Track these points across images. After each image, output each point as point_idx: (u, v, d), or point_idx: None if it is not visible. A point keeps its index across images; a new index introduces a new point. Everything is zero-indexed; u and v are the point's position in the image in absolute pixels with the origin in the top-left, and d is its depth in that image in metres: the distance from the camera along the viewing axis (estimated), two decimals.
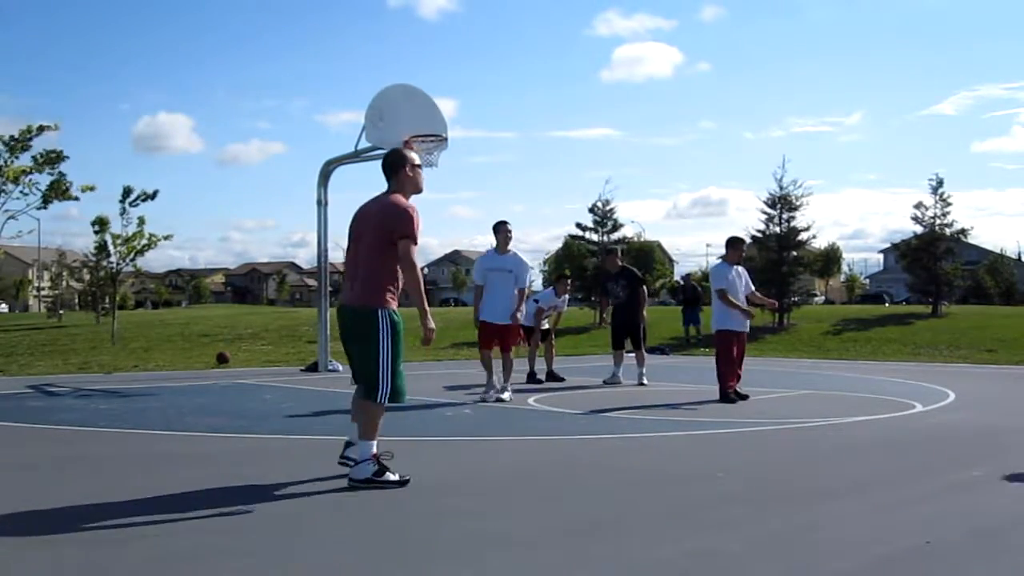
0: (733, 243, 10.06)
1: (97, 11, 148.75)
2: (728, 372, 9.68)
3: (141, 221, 22.65)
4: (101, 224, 23.35)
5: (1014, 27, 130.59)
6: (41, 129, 16.92)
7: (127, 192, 22.29)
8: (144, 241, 22.94)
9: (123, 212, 22.51)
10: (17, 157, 16.65)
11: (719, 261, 10.08)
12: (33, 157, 16.89)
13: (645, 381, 11.91)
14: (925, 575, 3.56)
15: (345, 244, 5.45)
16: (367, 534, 4.06)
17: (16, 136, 16.68)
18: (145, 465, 5.95)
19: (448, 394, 10.43)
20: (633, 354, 12.27)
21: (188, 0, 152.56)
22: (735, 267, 10.00)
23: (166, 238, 23.50)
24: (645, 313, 12.32)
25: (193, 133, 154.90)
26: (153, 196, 22.54)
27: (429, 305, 5.44)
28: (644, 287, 12.49)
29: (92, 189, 18.42)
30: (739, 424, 7.88)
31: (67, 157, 17.27)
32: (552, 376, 12.64)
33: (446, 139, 13.16)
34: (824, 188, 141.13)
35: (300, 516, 4.38)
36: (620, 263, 12.84)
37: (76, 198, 17.73)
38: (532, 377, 12.29)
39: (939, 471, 5.84)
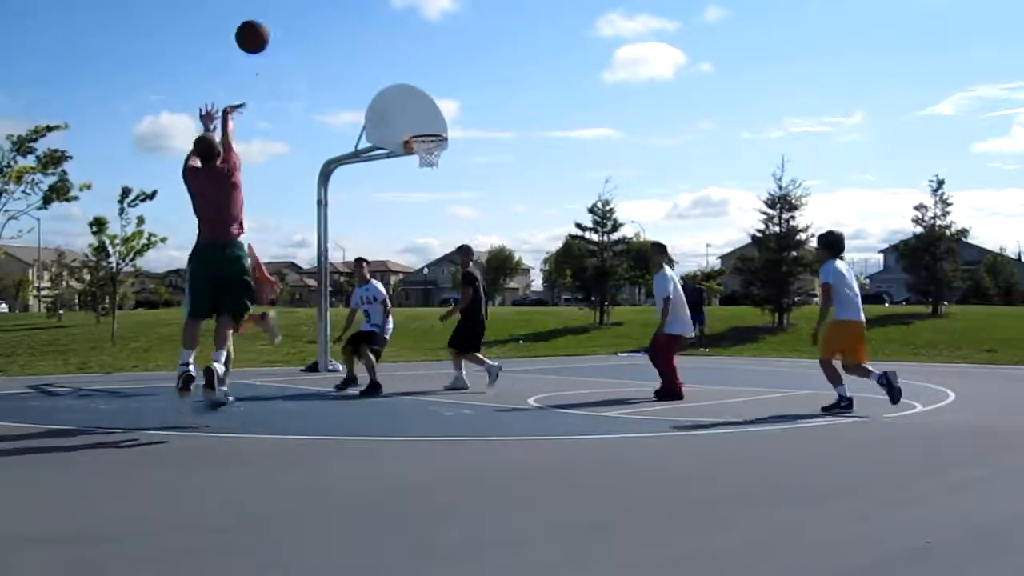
0: (660, 249, 10.48)
1: (97, 11, 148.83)
2: (674, 370, 9.90)
3: (140, 221, 22.63)
4: (99, 225, 23.32)
5: (1012, 27, 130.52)
6: (50, 129, 16.91)
7: (126, 192, 22.28)
8: (143, 241, 22.92)
9: (122, 212, 22.49)
10: (24, 156, 16.65)
11: (661, 271, 10.04)
12: (37, 157, 16.88)
13: (459, 385, 10.84)
14: (925, 575, 3.56)
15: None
16: (367, 534, 4.06)
17: (24, 136, 16.68)
18: (144, 465, 5.95)
19: (448, 394, 10.43)
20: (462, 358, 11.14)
21: (190, 0, 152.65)
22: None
23: (162, 240, 23.50)
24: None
25: (195, 134, 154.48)
26: (152, 196, 22.50)
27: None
28: (472, 288, 11.06)
29: (88, 187, 18.41)
30: (739, 424, 7.88)
31: (71, 157, 17.28)
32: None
33: (446, 139, 13.16)
34: (823, 188, 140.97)
35: (299, 516, 4.37)
36: (470, 263, 11.55)
37: (75, 198, 17.73)
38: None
39: (939, 471, 5.84)
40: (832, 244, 9.05)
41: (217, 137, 7.26)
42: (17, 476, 5.52)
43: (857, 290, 8.91)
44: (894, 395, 8.62)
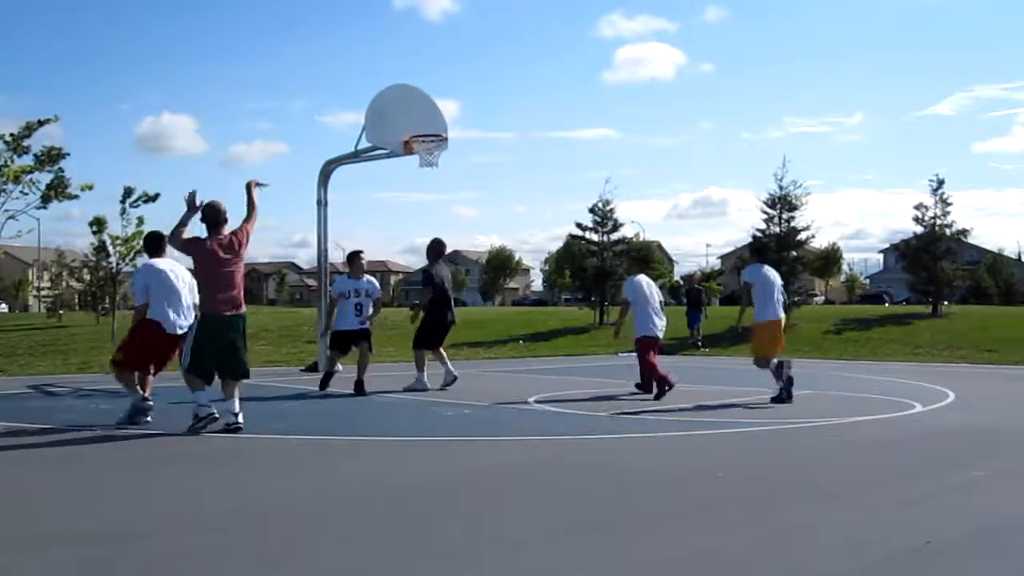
0: (636, 261, 11.53)
1: (97, 11, 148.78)
2: (653, 367, 10.10)
3: (140, 221, 22.61)
4: (99, 224, 23.30)
5: (1009, 28, 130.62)
6: (41, 124, 16.86)
7: (128, 192, 22.26)
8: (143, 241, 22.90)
9: (123, 212, 22.47)
10: (20, 156, 16.61)
11: (632, 277, 10.71)
12: (35, 155, 16.84)
13: (419, 387, 10.81)
14: (925, 575, 3.56)
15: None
16: (367, 534, 4.06)
17: (16, 133, 16.63)
18: (145, 465, 5.96)
19: (448, 394, 10.43)
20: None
21: (192, 0, 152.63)
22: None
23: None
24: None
25: (196, 134, 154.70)
26: (154, 199, 22.50)
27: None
28: (431, 287, 11.25)
29: (90, 188, 18.37)
30: (739, 424, 7.88)
31: (68, 154, 17.22)
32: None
33: (446, 139, 13.15)
34: (822, 188, 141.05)
35: (299, 516, 4.37)
36: (437, 261, 11.50)
37: (76, 196, 17.69)
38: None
39: (939, 471, 5.84)
40: (759, 250, 10.35)
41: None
42: (17, 476, 5.52)
43: (780, 293, 9.95)
44: (785, 390, 9.48)
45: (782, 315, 10.01)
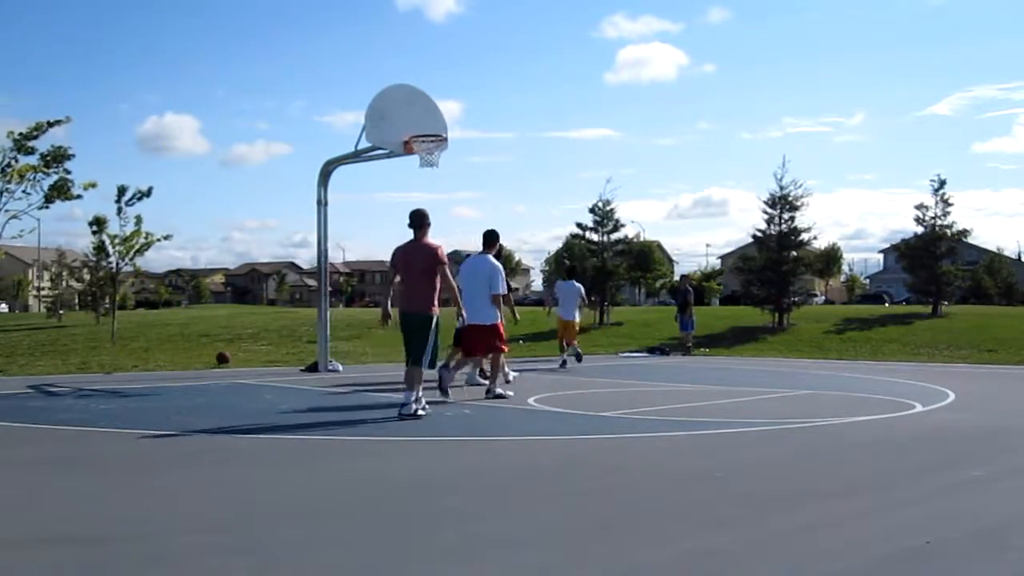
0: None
1: (98, 11, 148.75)
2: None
3: (138, 220, 22.61)
4: (98, 224, 23.30)
5: (1007, 28, 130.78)
6: (51, 124, 16.85)
7: (122, 191, 22.25)
8: (142, 240, 22.89)
9: (120, 211, 22.46)
10: (26, 154, 16.59)
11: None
12: (41, 155, 16.83)
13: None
14: (925, 575, 3.56)
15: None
16: (367, 534, 4.06)
17: (25, 133, 16.62)
18: (145, 465, 5.95)
19: (449, 394, 10.42)
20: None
21: (195, 0, 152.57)
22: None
23: (165, 238, 23.44)
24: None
25: (198, 134, 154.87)
26: (148, 194, 22.45)
27: None
28: None
29: (94, 186, 18.36)
30: (739, 424, 7.88)
31: (73, 155, 17.23)
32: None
33: (446, 139, 13.16)
34: (820, 188, 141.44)
35: (299, 516, 4.37)
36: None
37: (79, 196, 17.67)
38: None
39: (939, 471, 5.84)
40: (570, 270, 16.19)
41: None
42: (17, 476, 5.52)
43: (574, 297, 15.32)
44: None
45: (576, 317, 15.55)
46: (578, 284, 15.74)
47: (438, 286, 8.25)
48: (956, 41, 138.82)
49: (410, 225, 8.33)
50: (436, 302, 8.22)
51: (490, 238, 10.42)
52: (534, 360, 17.68)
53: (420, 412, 8.07)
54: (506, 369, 10.77)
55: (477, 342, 9.91)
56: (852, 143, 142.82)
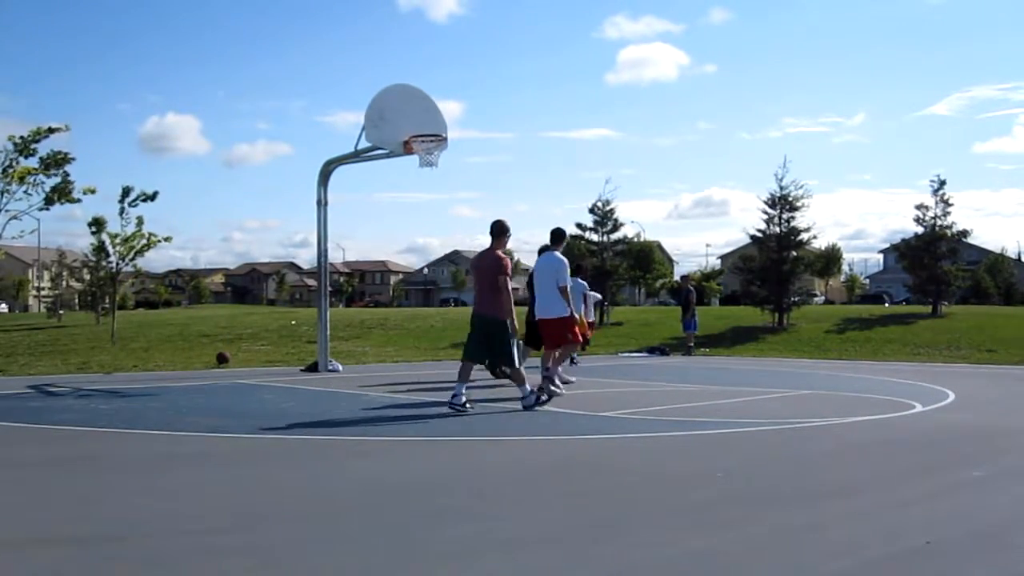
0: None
1: (98, 11, 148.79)
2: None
3: (140, 221, 22.62)
4: (98, 225, 23.31)
5: (1007, 28, 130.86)
6: (51, 131, 16.88)
7: (126, 192, 22.27)
8: (143, 241, 22.91)
9: (122, 212, 22.47)
10: (26, 158, 16.62)
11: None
12: (41, 159, 16.85)
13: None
14: (925, 575, 3.56)
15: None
16: (367, 534, 4.06)
17: (26, 137, 16.64)
18: (145, 465, 5.95)
19: (449, 394, 10.42)
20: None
21: (195, 0, 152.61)
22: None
23: (166, 239, 23.48)
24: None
25: (199, 134, 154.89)
26: (153, 197, 22.48)
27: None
28: None
29: (93, 191, 18.39)
30: (739, 424, 7.88)
31: (73, 159, 17.25)
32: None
33: (446, 139, 13.16)
34: (820, 188, 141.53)
35: (300, 516, 4.37)
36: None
37: (78, 200, 17.70)
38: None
39: (939, 471, 5.84)
40: (578, 268, 12.71)
41: None
42: (17, 476, 5.52)
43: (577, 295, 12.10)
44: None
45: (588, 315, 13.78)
46: (583, 282, 15.50)
47: (508, 292, 8.80)
48: (956, 41, 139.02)
49: (489, 233, 9.12)
50: (508, 306, 8.76)
51: (556, 236, 10.78)
52: (534, 360, 17.65)
53: (546, 395, 9.01)
54: (566, 377, 10.88)
55: (550, 335, 10.28)
56: (852, 143, 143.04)
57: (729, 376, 13.99)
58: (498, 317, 8.74)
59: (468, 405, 8.59)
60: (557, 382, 10.33)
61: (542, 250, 10.74)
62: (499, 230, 9.04)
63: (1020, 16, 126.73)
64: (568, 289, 10.11)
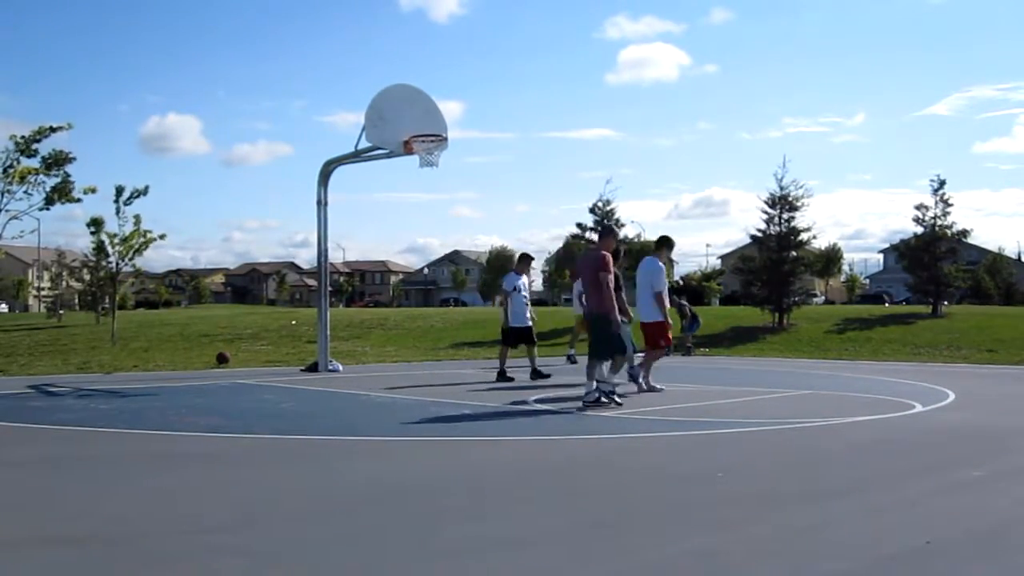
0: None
1: (99, 11, 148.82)
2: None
3: (137, 220, 22.62)
4: (96, 225, 23.31)
5: (1007, 28, 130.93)
6: (53, 130, 16.89)
7: (119, 191, 22.27)
8: (141, 239, 22.91)
9: (118, 211, 22.47)
10: (28, 157, 16.63)
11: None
12: (42, 158, 16.85)
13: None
14: (925, 575, 3.56)
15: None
16: (367, 534, 4.06)
17: (28, 137, 16.65)
18: (145, 465, 5.96)
19: (449, 394, 10.43)
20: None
21: (195, 0, 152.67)
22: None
23: (161, 237, 23.48)
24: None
25: (200, 135, 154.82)
26: (145, 192, 22.48)
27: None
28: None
29: (93, 191, 18.40)
30: (739, 424, 7.88)
31: (74, 158, 17.26)
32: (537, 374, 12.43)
33: (446, 139, 13.16)
34: (820, 188, 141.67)
35: (300, 516, 4.37)
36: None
37: (79, 200, 17.71)
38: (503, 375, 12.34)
39: (939, 471, 5.84)
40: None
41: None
42: (17, 476, 5.52)
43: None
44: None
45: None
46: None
47: (608, 288, 9.03)
48: (956, 41, 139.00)
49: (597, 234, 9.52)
50: (609, 302, 8.98)
51: (662, 242, 11.04)
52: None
53: (616, 399, 8.99)
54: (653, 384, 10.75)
55: (648, 337, 10.54)
56: (852, 143, 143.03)
57: (729, 376, 13.98)
58: (599, 311, 9.01)
59: (616, 399, 8.98)
60: (644, 385, 10.40)
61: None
62: (604, 231, 9.65)
63: (1020, 16, 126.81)
64: (663, 295, 10.35)
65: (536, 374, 12.35)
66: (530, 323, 12.71)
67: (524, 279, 13.04)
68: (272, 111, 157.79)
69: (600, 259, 9.21)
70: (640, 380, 10.45)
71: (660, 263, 10.58)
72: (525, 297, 12.74)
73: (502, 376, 12.25)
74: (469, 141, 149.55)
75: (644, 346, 10.60)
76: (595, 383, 8.97)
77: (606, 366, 9.11)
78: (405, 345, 22.51)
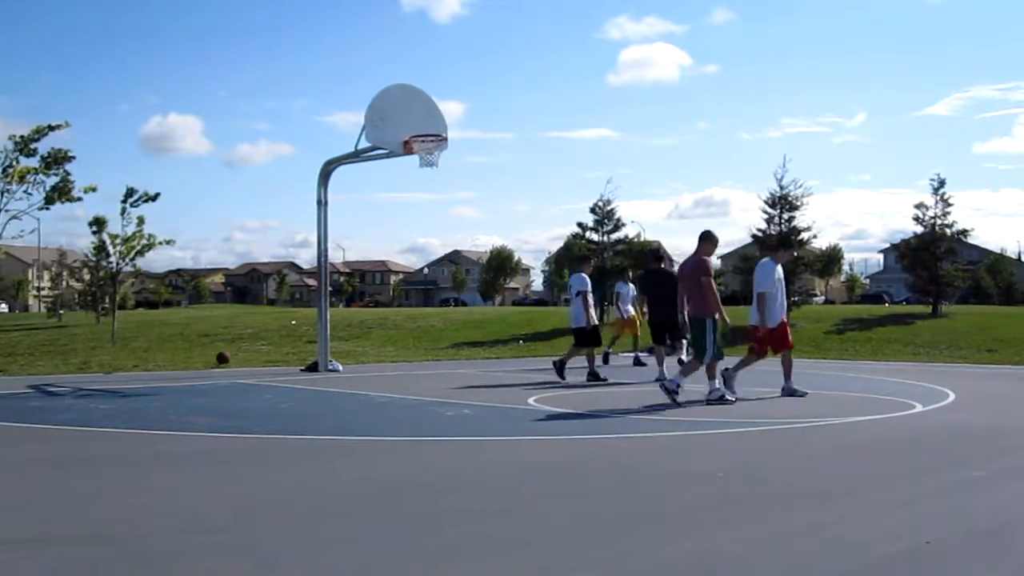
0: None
1: (99, 11, 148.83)
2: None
3: (140, 221, 22.63)
4: (98, 224, 23.33)
5: (1006, 28, 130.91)
6: (51, 128, 16.88)
7: (130, 192, 22.30)
8: (144, 241, 22.92)
9: (123, 212, 22.50)
10: (27, 157, 16.63)
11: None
12: (42, 157, 16.85)
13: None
14: (925, 575, 3.56)
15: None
16: (367, 534, 4.06)
17: (27, 136, 16.65)
18: (145, 465, 5.96)
19: (449, 394, 10.43)
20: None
21: (196, 0, 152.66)
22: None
23: (168, 242, 23.55)
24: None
25: (201, 135, 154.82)
26: (155, 198, 22.52)
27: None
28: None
29: (94, 190, 18.39)
30: (739, 424, 7.88)
31: (74, 157, 17.26)
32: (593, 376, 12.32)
33: (446, 139, 13.16)
34: (820, 188, 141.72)
35: (300, 516, 4.37)
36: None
37: (79, 199, 17.71)
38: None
39: (939, 471, 5.83)
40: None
41: None
42: (17, 476, 5.52)
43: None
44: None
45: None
46: (630, 285, 16.28)
47: (710, 291, 9.46)
48: (956, 41, 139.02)
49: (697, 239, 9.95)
50: (711, 305, 9.39)
51: (778, 241, 11.50)
52: (534, 359, 17.68)
53: (729, 398, 9.28)
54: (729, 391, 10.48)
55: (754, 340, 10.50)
56: (852, 143, 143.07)
57: None
58: (699, 315, 9.48)
59: (730, 396, 9.29)
60: (724, 386, 9.88)
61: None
62: (703, 236, 9.85)
63: (1020, 16, 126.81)
64: (765, 296, 9.90)
65: (593, 376, 12.24)
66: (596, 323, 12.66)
67: None
68: (273, 111, 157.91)
69: (701, 263, 9.74)
70: (730, 381, 9.82)
71: (771, 266, 10.04)
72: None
73: (594, 376, 12.16)
74: (469, 141, 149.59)
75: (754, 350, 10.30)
76: (716, 381, 9.34)
77: (675, 364, 9.66)
78: (405, 345, 22.51)
